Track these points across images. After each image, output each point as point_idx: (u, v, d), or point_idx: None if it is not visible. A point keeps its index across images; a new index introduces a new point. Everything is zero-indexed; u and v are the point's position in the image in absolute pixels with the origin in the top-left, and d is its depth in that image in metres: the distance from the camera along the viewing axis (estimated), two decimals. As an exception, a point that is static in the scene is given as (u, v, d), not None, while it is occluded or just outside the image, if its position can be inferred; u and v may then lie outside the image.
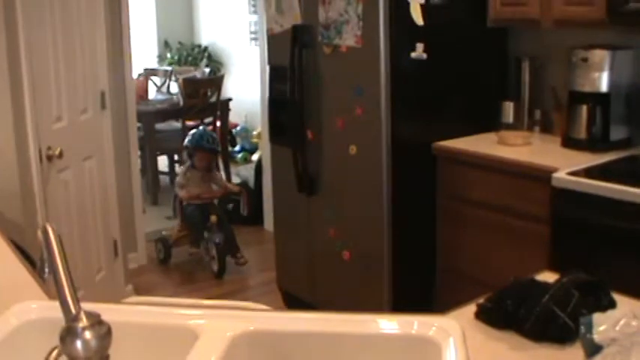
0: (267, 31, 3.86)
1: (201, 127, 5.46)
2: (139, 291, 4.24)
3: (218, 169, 5.27)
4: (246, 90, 7.18)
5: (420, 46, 3.23)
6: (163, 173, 6.53)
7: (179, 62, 8.10)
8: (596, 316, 1.39)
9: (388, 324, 1.46)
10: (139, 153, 4.93)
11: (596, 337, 1.33)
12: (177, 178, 4.86)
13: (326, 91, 3.50)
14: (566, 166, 2.85)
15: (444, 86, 3.40)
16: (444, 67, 3.36)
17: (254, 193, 5.47)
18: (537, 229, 2.88)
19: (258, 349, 1.44)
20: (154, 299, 1.71)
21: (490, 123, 3.48)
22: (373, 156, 3.28)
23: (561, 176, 2.78)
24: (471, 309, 1.55)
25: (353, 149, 3.37)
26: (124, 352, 1.19)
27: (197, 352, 1.35)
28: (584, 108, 3.14)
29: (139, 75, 6.78)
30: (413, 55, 3.23)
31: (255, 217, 5.39)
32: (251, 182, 5.64)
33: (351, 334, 1.45)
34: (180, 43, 8.34)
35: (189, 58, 8.21)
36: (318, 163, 3.61)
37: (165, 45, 8.33)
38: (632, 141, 3.17)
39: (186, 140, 4.88)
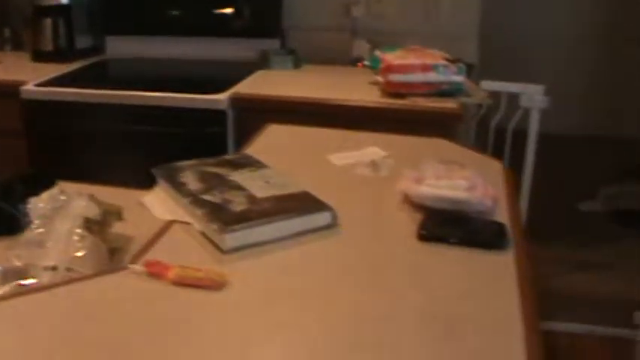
0: None
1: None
2: None
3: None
4: None
5: None
6: None
7: None
8: (34, 199, 1.53)
9: None
10: None
11: (32, 215, 1.47)
12: None
13: None
14: (35, 79, 2.95)
15: None
16: None
17: None
18: (15, 143, 2.95)
19: None
20: None
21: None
22: None
23: (29, 88, 2.88)
24: None
25: None
26: None
27: None
28: (49, 21, 3.24)
29: None
30: None
31: None
32: None
33: None
34: None
35: None
36: None
37: None
38: (98, 48, 3.38)
39: None
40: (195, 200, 1.35)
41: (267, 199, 1.36)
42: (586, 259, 3.71)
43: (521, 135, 3.11)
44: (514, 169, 1.86)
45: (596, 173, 4.50)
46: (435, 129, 2.16)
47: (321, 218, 1.34)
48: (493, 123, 3.08)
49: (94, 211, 1.44)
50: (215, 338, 1.03)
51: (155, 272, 1.19)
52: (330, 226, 1.35)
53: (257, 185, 1.41)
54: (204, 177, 1.45)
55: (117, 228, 1.41)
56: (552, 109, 4.66)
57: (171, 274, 1.18)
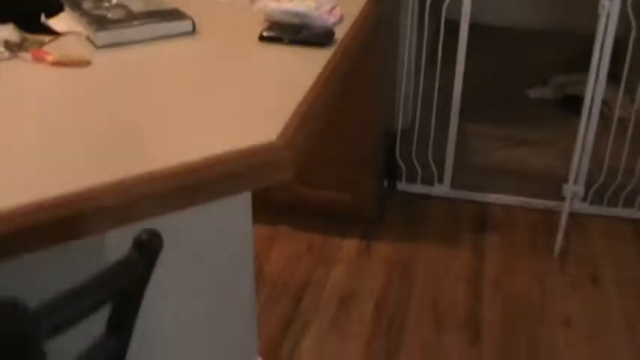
0: None
1: None
2: None
3: None
4: None
5: None
6: None
7: None
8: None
9: None
10: None
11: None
12: None
13: None
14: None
15: None
16: None
17: None
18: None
19: None
20: None
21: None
22: None
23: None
24: None
25: None
26: None
27: None
28: None
29: None
30: None
31: None
32: None
33: None
34: None
35: None
36: None
37: None
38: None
39: None
40: (84, 14, 1.67)
41: (141, 12, 1.67)
42: (525, 137, 3.99)
43: (479, 27, 3.34)
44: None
45: (547, 64, 4.75)
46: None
47: (183, 25, 1.66)
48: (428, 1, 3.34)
49: (15, 37, 1.75)
50: (75, 101, 1.36)
51: (38, 57, 1.52)
52: (191, 33, 1.67)
53: (138, 5, 1.73)
54: (100, 1, 1.77)
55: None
56: (508, 4, 4.91)
57: (50, 57, 1.51)
